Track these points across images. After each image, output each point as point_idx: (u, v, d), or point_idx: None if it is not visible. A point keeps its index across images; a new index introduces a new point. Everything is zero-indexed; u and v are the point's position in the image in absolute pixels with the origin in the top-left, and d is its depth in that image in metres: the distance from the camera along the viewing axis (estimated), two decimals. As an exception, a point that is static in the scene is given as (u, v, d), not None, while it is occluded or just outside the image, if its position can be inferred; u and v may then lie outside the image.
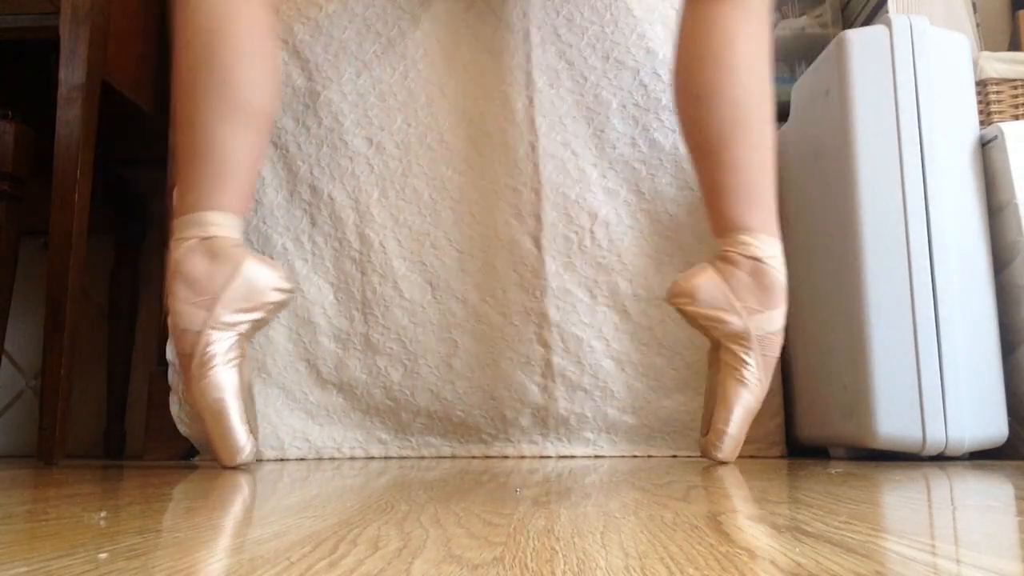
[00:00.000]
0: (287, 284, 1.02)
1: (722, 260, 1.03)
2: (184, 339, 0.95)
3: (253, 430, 0.99)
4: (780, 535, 0.40)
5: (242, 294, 0.97)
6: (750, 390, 1.01)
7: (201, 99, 0.98)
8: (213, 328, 0.95)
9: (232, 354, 0.97)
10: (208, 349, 0.95)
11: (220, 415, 0.95)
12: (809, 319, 1.22)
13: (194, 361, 0.95)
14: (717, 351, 1.04)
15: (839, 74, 1.12)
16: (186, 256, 0.96)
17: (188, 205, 0.98)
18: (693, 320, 1.04)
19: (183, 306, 0.95)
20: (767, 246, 1.02)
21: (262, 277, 0.99)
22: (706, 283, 1.02)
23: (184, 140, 0.99)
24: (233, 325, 0.97)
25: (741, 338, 1.01)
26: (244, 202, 1.03)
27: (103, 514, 0.49)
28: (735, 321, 1.01)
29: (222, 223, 0.98)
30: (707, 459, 1.05)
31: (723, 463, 1.04)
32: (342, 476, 0.86)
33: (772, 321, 1.02)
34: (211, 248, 0.97)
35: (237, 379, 0.97)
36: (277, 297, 1.00)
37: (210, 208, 0.97)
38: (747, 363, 1.01)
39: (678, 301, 1.04)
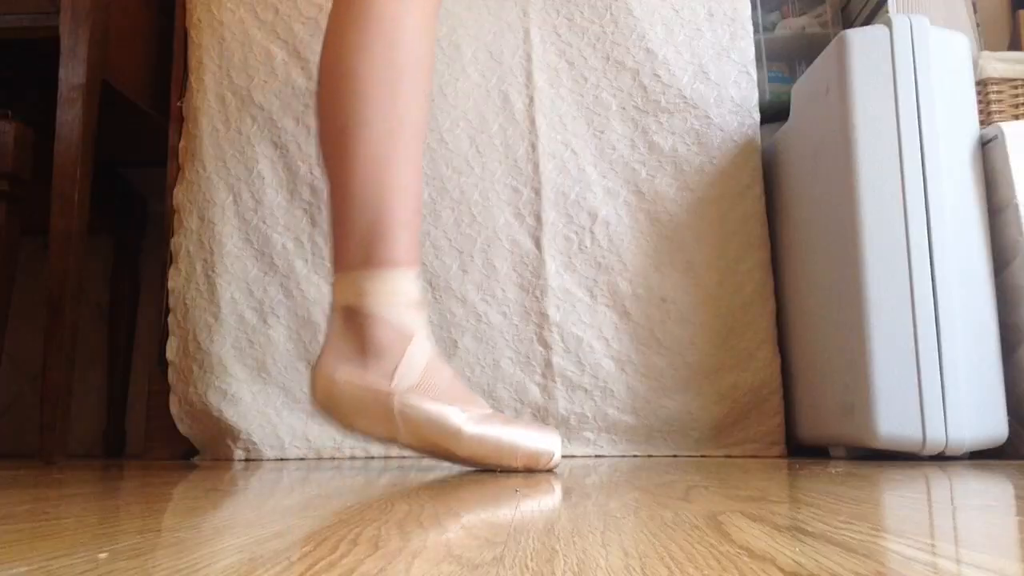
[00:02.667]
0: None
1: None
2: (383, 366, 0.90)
3: None
4: (780, 535, 0.40)
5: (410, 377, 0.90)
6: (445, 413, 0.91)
7: (415, 146, 0.90)
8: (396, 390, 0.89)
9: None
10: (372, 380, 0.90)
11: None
12: (809, 319, 1.22)
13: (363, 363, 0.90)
14: None
15: (839, 74, 1.12)
16: (423, 342, 0.91)
17: (413, 257, 0.90)
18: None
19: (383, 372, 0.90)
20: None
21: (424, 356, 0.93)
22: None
23: (400, 181, 0.89)
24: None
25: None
26: None
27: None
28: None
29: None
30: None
31: (553, 460, 0.91)
32: (342, 476, 0.86)
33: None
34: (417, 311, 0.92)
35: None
36: None
37: (413, 264, 0.91)
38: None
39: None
